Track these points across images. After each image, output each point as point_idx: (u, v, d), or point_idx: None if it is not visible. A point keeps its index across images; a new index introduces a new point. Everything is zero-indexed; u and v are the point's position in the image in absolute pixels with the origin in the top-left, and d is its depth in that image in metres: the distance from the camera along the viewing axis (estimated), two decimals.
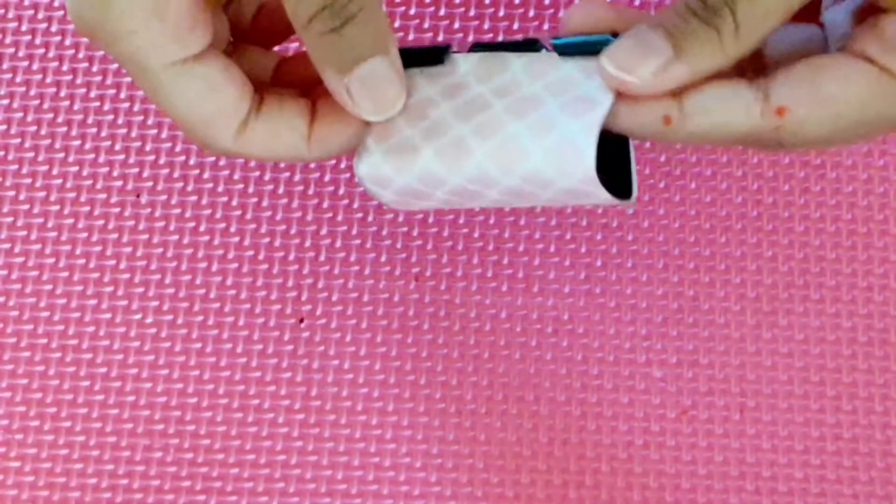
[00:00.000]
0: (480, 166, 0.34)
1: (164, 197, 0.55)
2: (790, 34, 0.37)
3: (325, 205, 0.55)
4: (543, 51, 0.36)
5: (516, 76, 0.35)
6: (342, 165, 0.55)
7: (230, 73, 0.35)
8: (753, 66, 0.36)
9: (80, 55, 0.56)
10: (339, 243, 0.54)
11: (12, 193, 0.55)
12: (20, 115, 0.56)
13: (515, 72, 0.35)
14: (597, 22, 0.35)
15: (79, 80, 0.56)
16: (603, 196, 0.34)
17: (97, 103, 0.56)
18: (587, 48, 0.35)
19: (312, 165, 0.55)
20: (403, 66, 0.35)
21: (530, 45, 0.36)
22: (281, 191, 0.55)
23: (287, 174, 0.55)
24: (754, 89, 0.34)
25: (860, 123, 0.34)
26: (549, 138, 0.33)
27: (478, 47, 0.36)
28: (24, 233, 0.55)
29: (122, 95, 0.56)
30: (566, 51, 0.35)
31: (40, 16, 0.57)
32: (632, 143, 0.35)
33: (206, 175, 0.55)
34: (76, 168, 0.55)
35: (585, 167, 0.33)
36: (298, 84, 0.38)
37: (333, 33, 0.33)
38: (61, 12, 0.57)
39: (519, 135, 0.34)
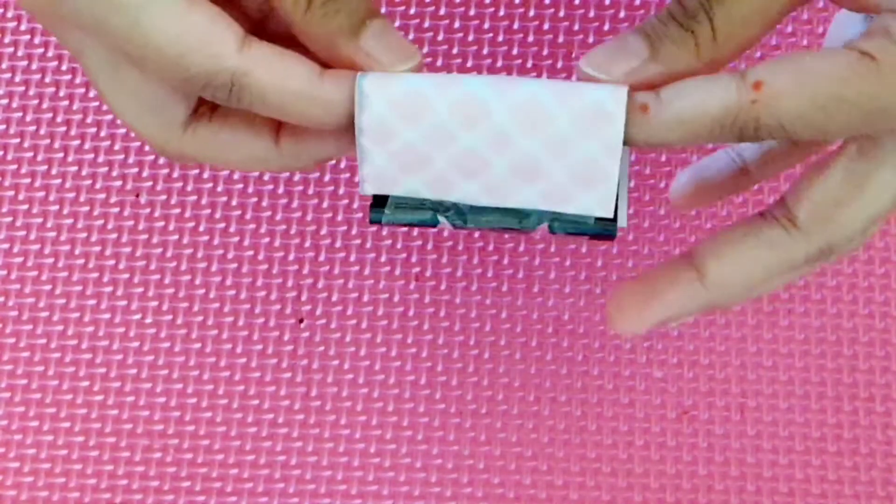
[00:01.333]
0: (500, 123, 0.33)
1: (163, 197, 0.55)
2: None
3: (325, 205, 0.55)
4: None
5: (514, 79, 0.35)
6: (342, 165, 0.55)
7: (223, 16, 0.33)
8: None
9: None
10: (339, 243, 0.54)
11: (11, 193, 0.55)
12: (19, 114, 0.56)
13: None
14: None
15: (77, 80, 0.56)
16: (606, 213, 0.34)
17: (96, 103, 0.56)
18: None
19: None
20: None
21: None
22: (281, 191, 0.55)
23: (287, 174, 0.55)
24: (730, 74, 0.34)
25: (840, 100, 0.33)
26: (575, 102, 0.33)
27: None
28: (24, 233, 0.55)
29: None
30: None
31: None
32: (626, 172, 0.35)
33: (205, 175, 0.55)
34: (75, 168, 0.55)
35: (614, 131, 0.33)
36: None
37: (333, 6, 0.33)
38: None
39: (540, 95, 0.33)
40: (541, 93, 0.33)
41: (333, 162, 0.55)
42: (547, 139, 0.33)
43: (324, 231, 0.54)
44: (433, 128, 0.33)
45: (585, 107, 0.33)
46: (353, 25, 0.34)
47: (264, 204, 0.55)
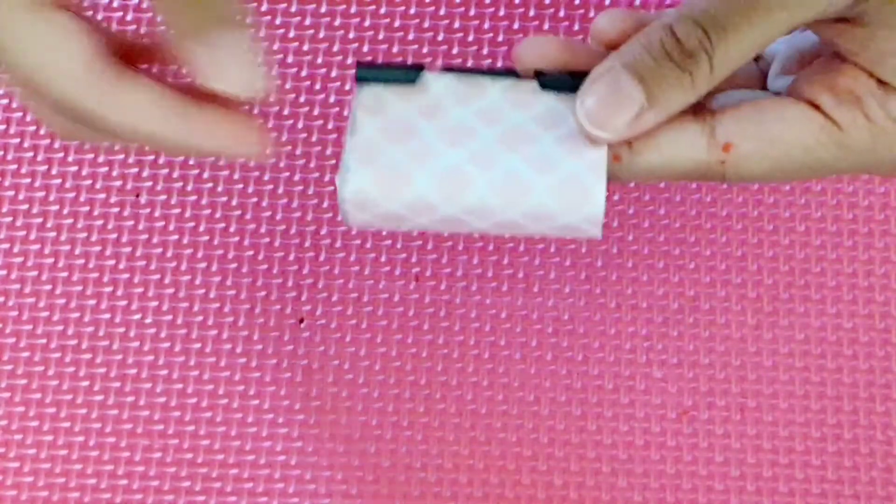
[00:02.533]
0: (481, 198, 0.34)
1: (163, 197, 0.55)
2: (738, 95, 0.37)
3: (325, 205, 0.55)
4: (519, 79, 0.36)
5: (496, 103, 0.35)
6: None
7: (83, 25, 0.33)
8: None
9: None
10: (339, 243, 0.54)
11: (11, 193, 0.55)
12: (19, 114, 0.56)
13: (494, 98, 0.35)
14: (552, 59, 0.36)
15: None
16: (594, 232, 0.34)
17: None
18: (566, 83, 0.35)
19: (312, 165, 0.55)
20: (370, 81, 0.35)
21: (505, 73, 0.36)
22: (281, 191, 0.55)
23: (287, 174, 0.55)
24: (700, 124, 0.34)
25: (802, 166, 0.34)
26: (553, 175, 0.33)
27: (450, 69, 0.36)
28: (24, 233, 0.55)
29: None
30: (547, 83, 0.35)
31: None
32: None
33: (205, 175, 0.55)
34: (75, 168, 0.55)
35: (594, 206, 0.33)
36: None
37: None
38: None
39: (520, 169, 0.34)
40: (521, 168, 0.34)
41: (334, 162, 0.55)
42: (527, 209, 0.34)
43: (324, 231, 0.54)
44: (414, 200, 0.34)
45: (564, 180, 0.34)
46: (203, 25, 0.32)
47: (264, 204, 0.55)
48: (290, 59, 0.56)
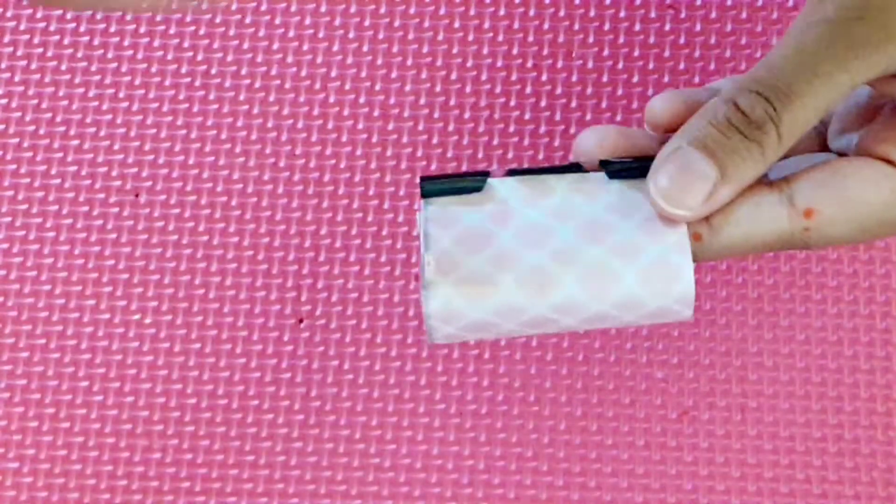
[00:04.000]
0: (569, 294, 0.33)
1: (163, 197, 0.55)
2: (801, 160, 0.37)
3: (325, 205, 0.54)
4: (583, 172, 0.35)
5: (566, 199, 0.34)
6: (342, 165, 0.55)
7: None
8: None
9: (79, 55, 0.56)
10: (338, 243, 0.54)
11: (11, 193, 0.55)
12: (18, 114, 0.56)
13: (563, 194, 0.35)
14: (611, 147, 0.35)
15: (77, 80, 0.56)
16: (686, 314, 0.34)
17: (95, 103, 0.56)
18: (634, 169, 0.35)
19: (312, 165, 0.55)
20: (432, 194, 0.35)
21: (568, 168, 0.35)
22: (281, 191, 0.55)
23: (287, 174, 0.55)
24: (777, 194, 0.34)
25: (884, 224, 0.34)
26: (638, 262, 0.33)
27: (513, 172, 0.36)
28: (23, 233, 0.55)
29: (121, 95, 0.56)
30: (614, 172, 0.35)
31: (39, 15, 0.57)
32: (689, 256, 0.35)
33: (205, 175, 0.55)
34: (75, 168, 0.55)
35: (684, 287, 0.33)
36: None
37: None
38: (59, 12, 0.57)
39: (604, 260, 0.33)
40: (605, 259, 0.33)
41: (333, 162, 0.55)
42: (617, 299, 0.33)
43: (324, 231, 0.54)
44: (501, 305, 0.33)
45: (651, 266, 0.33)
46: None
47: (264, 204, 0.55)
48: (289, 59, 0.56)
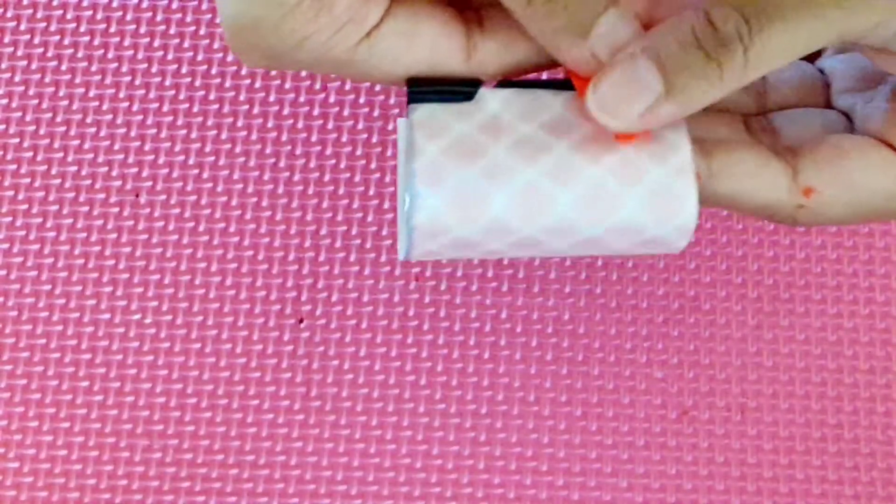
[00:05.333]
0: (564, 216, 0.31)
1: (163, 197, 0.55)
2: (807, 118, 0.35)
3: (325, 205, 0.54)
4: None
5: (563, 115, 0.33)
6: (342, 165, 0.55)
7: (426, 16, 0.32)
8: (771, 145, 0.35)
9: (79, 54, 0.56)
10: (339, 243, 0.54)
11: (11, 193, 0.55)
12: (19, 114, 0.56)
13: (559, 110, 0.33)
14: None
15: (77, 80, 0.56)
16: (681, 244, 0.33)
17: (96, 103, 0.56)
18: None
19: (312, 165, 0.55)
20: (419, 100, 0.33)
21: (564, 83, 0.33)
22: (281, 191, 0.55)
23: (287, 174, 0.55)
24: (783, 163, 0.33)
25: (882, 212, 0.33)
26: (641, 186, 0.31)
27: (505, 84, 0.34)
28: (23, 233, 0.55)
29: (122, 95, 0.56)
30: None
31: (39, 15, 0.57)
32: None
33: (205, 175, 0.55)
34: (75, 168, 0.55)
35: (686, 214, 0.32)
36: None
37: (560, 3, 0.30)
38: (60, 11, 0.57)
39: (603, 181, 0.31)
40: (604, 181, 0.31)
41: (333, 161, 0.55)
42: (614, 224, 0.32)
43: (324, 231, 0.54)
44: (491, 223, 0.32)
45: (654, 191, 0.32)
46: (580, 25, 0.30)
47: (264, 204, 0.55)
48: None
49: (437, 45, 0.32)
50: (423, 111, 0.33)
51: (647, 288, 0.53)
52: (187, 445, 0.52)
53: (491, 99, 0.33)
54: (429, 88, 0.33)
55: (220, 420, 0.52)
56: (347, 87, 0.56)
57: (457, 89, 0.33)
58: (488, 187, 0.31)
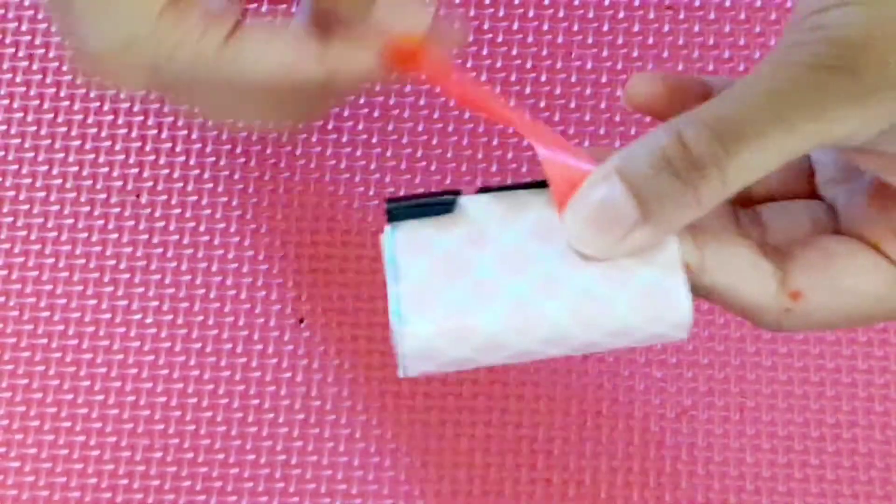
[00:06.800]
0: (557, 326, 0.30)
1: (164, 197, 0.55)
2: (794, 212, 0.35)
3: (325, 204, 0.55)
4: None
5: (543, 217, 0.31)
6: (342, 165, 0.55)
7: None
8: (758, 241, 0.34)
9: None
10: (339, 243, 0.54)
11: (12, 193, 0.55)
12: (20, 115, 0.56)
13: (540, 212, 0.32)
14: (659, 97, 0.33)
15: (78, 80, 0.56)
16: (681, 336, 0.32)
17: (97, 103, 0.56)
18: None
19: (312, 165, 0.55)
20: (399, 217, 0.32)
21: (540, 184, 0.32)
22: (281, 190, 0.55)
23: (287, 174, 0.55)
24: (773, 265, 0.32)
25: (871, 317, 0.32)
26: (630, 288, 0.30)
27: (484, 189, 0.33)
28: (24, 233, 0.55)
29: (122, 95, 0.56)
30: None
31: (40, 16, 0.57)
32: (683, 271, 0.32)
33: (206, 175, 0.55)
34: (76, 168, 0.55)
35: (681, 311, 0.30)
36: None
37: None
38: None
39: (591, 287, 0.30)
40: (592, 287, 0.30)
41: (333, 162, 0.55)
42: (609, 328, 0.31)
43: (324, 231, 0.54)
44: (484, 342, 0.31)
45: (644, 292, 0.30)
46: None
47: (265, 204, 0.55)
48: None
49: (293, 49, 0.34)
50: (405, 229, 0.32)
51: None
52: (188, 445, 0.52)
53: (471, 207, 0.32)
54: (407, 203, 0.32)
55: (221, 419, 0.52)
56: None
57: (436, 201, 0.32)
58: (477, 307, 0.30)
